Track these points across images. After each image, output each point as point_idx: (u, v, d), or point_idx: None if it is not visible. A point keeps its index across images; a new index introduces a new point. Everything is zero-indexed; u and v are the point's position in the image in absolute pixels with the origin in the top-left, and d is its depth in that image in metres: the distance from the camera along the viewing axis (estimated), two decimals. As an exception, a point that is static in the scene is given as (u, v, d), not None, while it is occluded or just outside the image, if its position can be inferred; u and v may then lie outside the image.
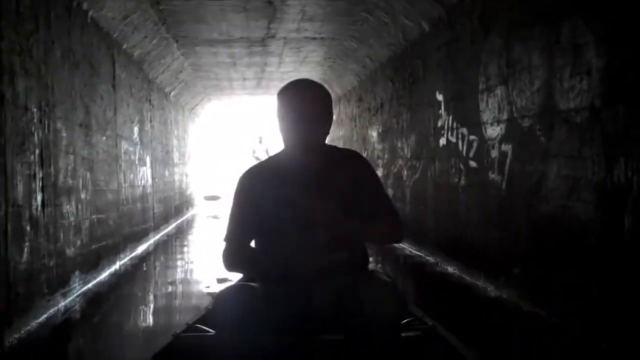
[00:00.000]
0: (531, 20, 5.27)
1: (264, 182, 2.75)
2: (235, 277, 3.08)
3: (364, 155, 12.68)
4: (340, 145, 16.08)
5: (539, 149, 5.14)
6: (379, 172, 11.34)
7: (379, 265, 8.38)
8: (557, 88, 4.84)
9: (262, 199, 2.69)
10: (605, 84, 4.22)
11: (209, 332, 2.90)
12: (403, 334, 2.61)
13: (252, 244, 2.84)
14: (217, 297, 2.58)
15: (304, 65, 13.60)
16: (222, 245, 2.79)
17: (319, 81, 15.18)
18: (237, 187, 2.82)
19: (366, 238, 2.76)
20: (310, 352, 2.65)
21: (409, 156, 9.52)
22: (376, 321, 2.36)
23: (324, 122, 2.72)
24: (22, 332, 4.90)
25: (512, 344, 4.64)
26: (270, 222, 2.67)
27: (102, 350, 4.90)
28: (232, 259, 2.75)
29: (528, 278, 5.41)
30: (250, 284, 2.66)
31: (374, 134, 12.08)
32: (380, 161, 11.53)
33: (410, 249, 9.23)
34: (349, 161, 2.84)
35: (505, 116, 5.83)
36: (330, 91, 16.35)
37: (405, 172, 9.72)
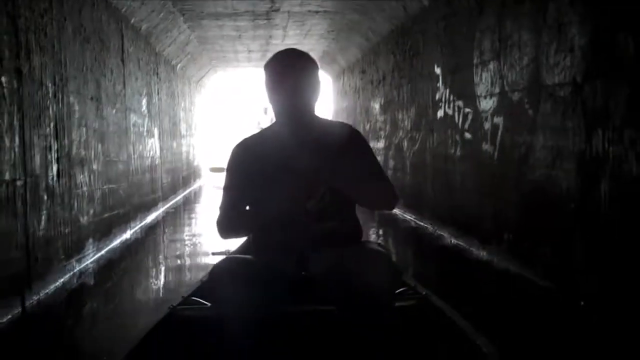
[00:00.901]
0: (521, -2, 5.52)
1: (256, 153, 2.75)
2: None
3: (367, 126, 13.00)
4: (344, 116, 16.34)
5: (527, 121, 5.43)
6: (381, 144, 11.64)
7: (381, 233, 8.70)
8: (543, 64, 5.11)
9: (254, 169, 2.70)
10: (587, 61, 4.49)
11: (204, 304, 2.90)
12: (397, 304, 2.60)
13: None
14: (213, 270, 2.57)
15: (308, 37, 13.81)
16: (217, 213, 2.83)
17: (323, 54, 15.29)
18: (230, 159, 2.83)
19: (359, 201, 2.73)
20: (304, 323, 2.64)
21: (409, 128, 9.79)
22: (370, 291, 2.35)
23: (311, 90, 2.71)
24: (41, 294, 5.23)
25: (497, 305, 4.94)
26: (262, 192, 2.66)
27: (114, 314, 5.22)
28: (226, 225, 2.78)
29: (516, 243, 5.72)
30: (245, 256, 2.69)
31: (376, 105, 12.34)
32: (382, 132, 11.80)
33: (410, 217, 9.55)
34: (341, 132, 2.81)
35: (497, 90, 6.11)
36: (333, 62, 16.35)
37: (406, 144, 10.00)
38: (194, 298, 2.99)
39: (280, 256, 2.61)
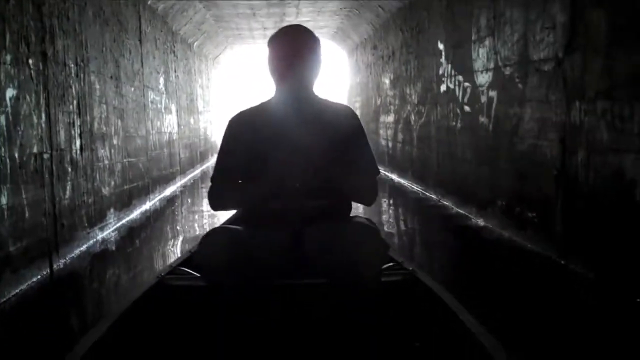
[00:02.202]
0: (512, -24, 5.85)
1: (252, 125, 2.75)
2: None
3: (379, 101, 13.33)
4: (358, 91, 16.66)
5: (517, 95, 5.78)
6: (391, 118, 11.98)
7: (390, 202, 9.09)
8: (530, 40, 5.45)
9: (249, 142, 2.70)
10: (567, 37, 4.83)
11: (193, 274, 2.88)
12: (384, 279, 2.61)
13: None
14: (202, 240, 2.53)
15: (321, 14, 14.11)
16: (209, 185, 2.81)
17: (337, 30, 15.48)
18: (226, 130, 2.82)
19: (340, 189, 2.72)
20: (293, 295, 2.65)
21: (416, 102, 10.14)
22: (357, 266, 2.36)
23: (311, 67, 2.72)
24: (67, 258, 5.70)
25: (482, 269, 5.33)
26: (255, 165, 2.66)
27: (134, 276, 5.66)
28: (217, 198, 2.78)
29: (509, 208, 6.09)
30: (236, 227, 2.67)
31: (387, 80, 12.67)
32: (392, 107, 12.14)
33: (417, 187, 9.94)
34: (339, 114, 2.79)
35: (492, 65, 6.45)
36: (347, 38, 16.54)
37: (413, 117, 10.35)
38: (182, 268, 2.98)
39: (271, 229, 2.61)
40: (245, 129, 2.76)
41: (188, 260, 3.07)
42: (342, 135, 2.68)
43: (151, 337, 2.69)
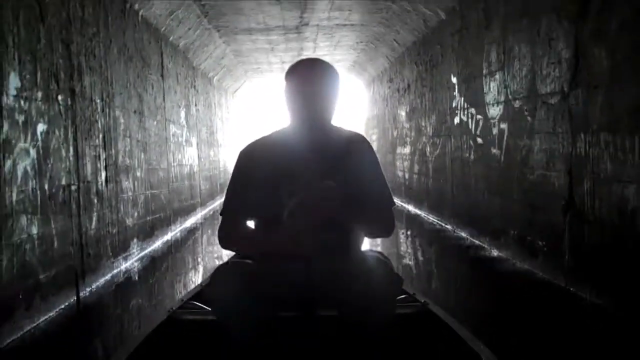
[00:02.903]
0: (520, 13, 6.06)
1: (265, 157, 2.69)
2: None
3: (395, 133, 13.55)
4: (375, 123, 16.89)
5: (527, 127, 5.96)
6: (407, 149, 12.18)
7: (407, 232, 9.24)
8: (538, 75, 5.65)
9: (262, 175, 2.64)
10: (571, 72, 5.02)
11: (204, 308, 2.86)
12: (397, 311, 2.61)
13: (249, 222, 2.77)
14: (213, 274, 2.52)
15: (338, 49, 14.41)
16: (219, 220, 2.75)
17: (354, 63, 15.77)
18: (238, 161, 2.76)
19: (354, 227, 2.70)
20: (305, 328, 2.63)
21: (431, 134, 10.34)
22: (370, 298, 2.36)
23: (331, 100, 2.66)
24: (93, 286, 5.90)
25: (494, 299, 5.47)
26: (268, 199, 2.61)
27: (155, 305, 5.84)
28: (229, 236, 2.70)
29: (520, 238, 6.24)
30: (245, 260, 2.68)
31: (403, 113, 12.89)
32: (408, 139, 12.34)
33: (433, 218, 10.09)
34: (353, 145, 2.75)
35: (502, 98, 6.64)
36: (363, 71, 16.83)
37: (428, 149, 10.54)
38: (193, 302, 3.00)
39: (283, 262, 2.57)
40: (256, 162, 2.71)
41: (199, 294, 3.09)
42: (355, 168, 2.66)
43: None
